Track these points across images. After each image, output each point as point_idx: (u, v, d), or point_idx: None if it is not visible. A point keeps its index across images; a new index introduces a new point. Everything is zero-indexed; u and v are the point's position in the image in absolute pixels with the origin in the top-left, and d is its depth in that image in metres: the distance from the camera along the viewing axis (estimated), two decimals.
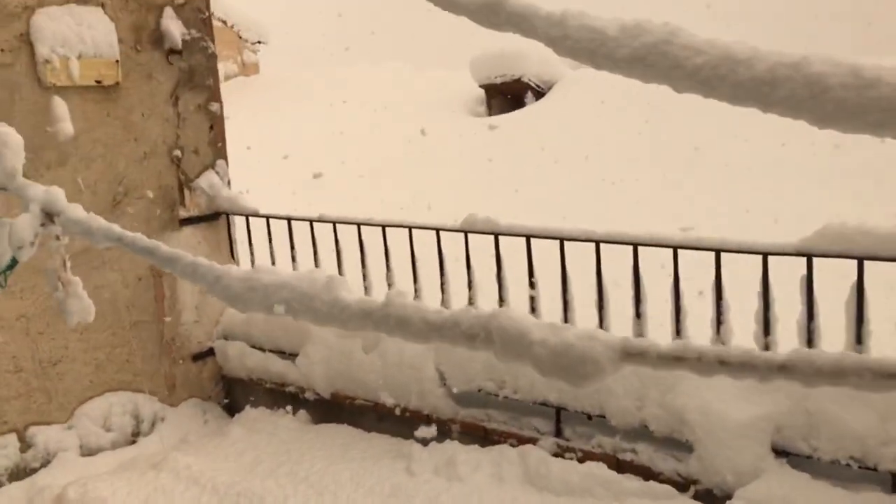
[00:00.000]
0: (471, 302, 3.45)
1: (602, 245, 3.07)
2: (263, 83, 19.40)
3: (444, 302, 3.54)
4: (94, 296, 3.21)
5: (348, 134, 12.19)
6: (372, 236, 3.78)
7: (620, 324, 3.12)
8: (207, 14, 4.17)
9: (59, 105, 3.47)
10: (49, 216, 1.81)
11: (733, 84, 1.44)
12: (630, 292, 3.06)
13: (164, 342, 4.11)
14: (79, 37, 3.53)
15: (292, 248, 4.05)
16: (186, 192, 4.12)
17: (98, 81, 3.64)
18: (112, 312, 3.84)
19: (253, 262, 4.26)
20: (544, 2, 1.62)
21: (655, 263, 3.17)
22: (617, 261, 3.11)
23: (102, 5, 3.66)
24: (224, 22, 21.54)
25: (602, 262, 3.10)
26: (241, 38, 22.40)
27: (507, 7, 1.75)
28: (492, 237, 3.37)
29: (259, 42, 22.68)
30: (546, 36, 1.72)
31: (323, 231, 3.96)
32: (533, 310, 3.30)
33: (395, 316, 1.28)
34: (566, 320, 3.20)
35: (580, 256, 3.20)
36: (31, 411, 3.63)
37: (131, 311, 3.95)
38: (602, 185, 8.15)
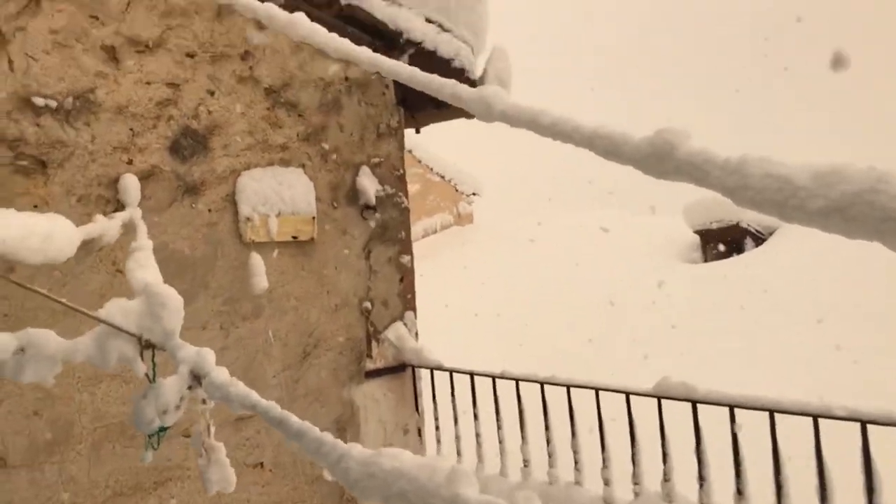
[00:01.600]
0: (666, 478, 3.06)
1: (821, 421, 2.63)
2: (477, 232, 20.08)
3: (635, 476, 3.18)
4: (271, 448, 3.19)
5: (560, 281, 12.13)
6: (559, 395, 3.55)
7: None
8: (402, 171, 4.32)
9: (257, 260, 3.66)
10: (197, 378, 1.80)
11: None
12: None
13: (345, 499, 4.03)
14: (279, 196, 3.75)
15: (474, 404, 3.90)
16: (374, 344, 4.15)
17: (294, 237, 3.82)
18: (293, 465, 3.85)
19: (437, 416, 4.15)
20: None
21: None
22: (841, 441, 2.64)
23: (303, 166, 3.91)
24: (442, 176, 22.92)
25: (822, 441, 2.64)
26: (457, 190, 23.65)
27: (676, 155, 1.56)
28: (689, 404, 3.01)
29: (474, 194, 23.80)
30: (722, 186, 1.49)
31: (526, 390, 3.77)
32: (739, 492, 2.85)
33: None
34: None
35: (796, 432, 2.76)
36: None
37: (314, 466, 3.94)
38: (835, 354, 7.29)
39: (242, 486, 3.70)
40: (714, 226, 12.30)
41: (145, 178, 3.34)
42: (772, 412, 2.71)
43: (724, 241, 12.22)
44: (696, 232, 12.76)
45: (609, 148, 1.64)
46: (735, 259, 11.47)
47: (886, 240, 1.22)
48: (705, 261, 12.29)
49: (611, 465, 3.29)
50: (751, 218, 12.08)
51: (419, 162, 21.47)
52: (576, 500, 3.37)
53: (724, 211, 12.29)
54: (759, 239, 11.98)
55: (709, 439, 2.95)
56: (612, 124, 1.69)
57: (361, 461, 1.35)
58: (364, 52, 2.29)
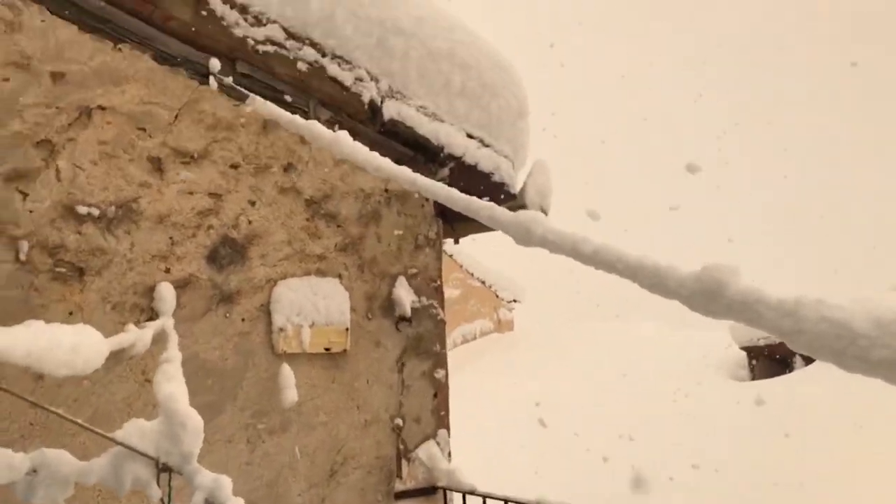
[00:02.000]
0: None
1: None
2: (517, 339, 19.86)
3: None
4: None
5: (603, 391, 11.85)
6: None
7: None
8: (439, 282, 4.28)
9: (287, 372, 3.60)
10: None
11: None
12: None
13: None
14: (314, 306, 3.72)
15: None
16: (404, 463, 4.00)
17: (327, 349, 3.76)
18: None
19: None
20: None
21: None
22: None
23: (339, 276, 3.89)
24: (483, 282, 22.93)
25: None
26: (497, 297, 23.59)
27: (726, 294, 1.48)
28: None
29: (514, 301, 23.71)
30: (776, 328, 1.40)
31: None
32: None
33: None
34: None
35: None
36: None
37: None
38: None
39: None
40: (761, 342, 11.98)
41: (181, 286, 3.34)
42: None
43: (772, 359, 11.87)
44: (743, 348, 12.43)
45: (654, 281, 1.57)
46: (783, 378, 11.09)
47: None
48: (752, 378, 11.91)
49: None
50: None
51: (460, 267, 21.54)
52: None
53: None
54: (809, 357, 11.63)
55: None
56: (656, 256, 1.62)
57: None
58: (404, 172, 2.28)
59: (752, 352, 12.20)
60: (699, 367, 12.96)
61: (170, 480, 1.92)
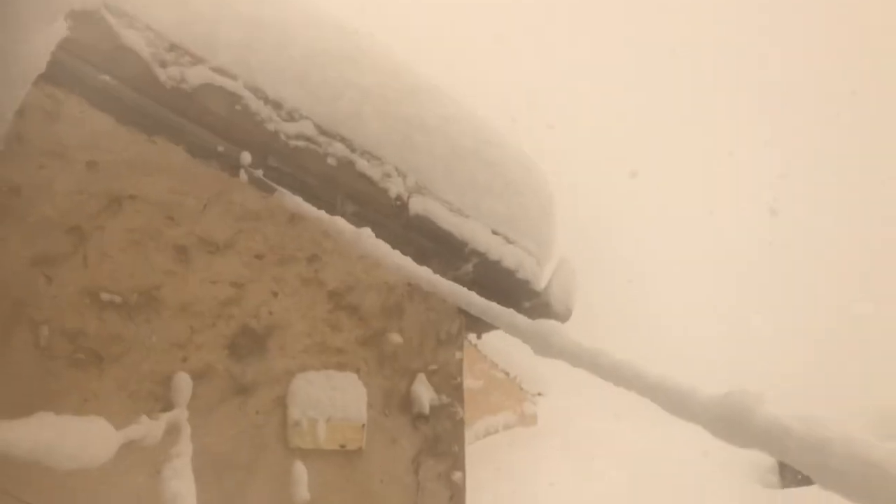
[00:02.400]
0: None
1: None
2: (540, 434, 19.45)
3: None
4: None
5: (625, 496, 11.49)
6: None
7: None
8: (459, 380, 4.22)
9: (300, 469, 3.52)
10: None
11: None
12: None
13: None
14: (330, 400, 3.67)
15: None
16: None
17: (342, 445, 3.69)
18: None
19: None
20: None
21: None
22: None
23: (358, 370, 3.84)
24: (507, 373, 22.62)
25: None
26: (521, 389, 23.22)
27: (753, 421, 1.43)
28: None
29: (539, 394, 23.31)
30: (802, 461, 1.35)
31: None
32: None
33: None
34: None
35: None
36: None
37: None
38: None
39: None
40: None
41: (198, 376, 3.32)
42: None
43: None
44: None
45: (674, 402, 1.52)
46: (816, 487, 10.71)
47: None
48: (783, 486, 11.50)
49: None
50: None
51: (484, 357, 21.31)
52: None
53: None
54: None
55: None
56: (679, 376, 1.58)
57: None
58: (424, 273, 2.27)
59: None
60: (725, 468, 12.55)
61: None
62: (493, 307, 1.99)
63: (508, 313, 1.94)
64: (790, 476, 11.62)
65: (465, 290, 2.11)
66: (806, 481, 11.16)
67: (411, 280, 2.33)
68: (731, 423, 1.37)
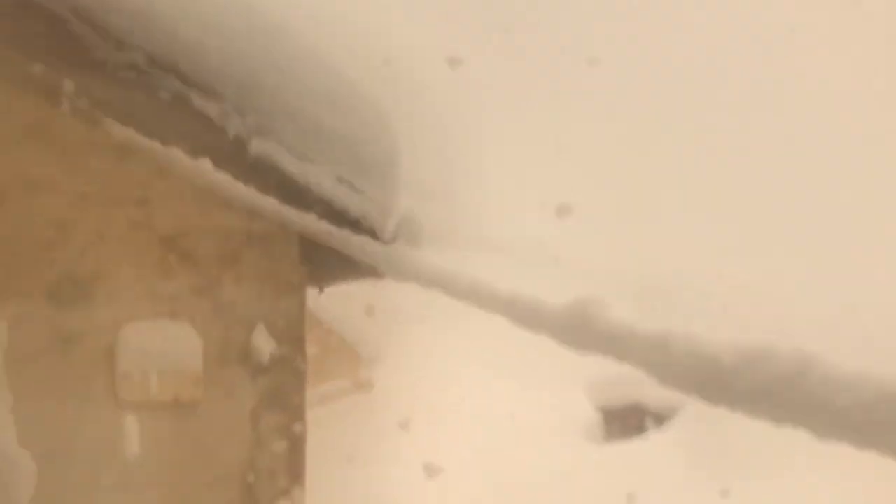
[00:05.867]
0: None
1: None
2: (377, 402, 19.64)
3: None
4: None
5: (457, 460, 11.86)
6: None
7: None
8: (301, 331, 4.20)
9: (131, 423, 3.40)
10: None
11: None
12: None
13: None
14: (163, 351, 3.55)
15: None
16: None
17: (176, 398, 3.59)
18: None
19: None
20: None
21: None
22: None
23: (192, 320, 3.74)
24: (341, 338, 22.67)
25: None
26: (356, 354, 23.36)
27: (597, 325, 1.54)
28: None
29: (374, 358, 23.54)
30: (644, 361, 1.47)
31: None
32: None
33: None
34: None
35: None
36: None
37: None
38: None
39: None
40: (616, 404, 12.45)
41: (15, 324, 3.11)
42: None
43: (626, 421, 12.34)
44: (599, 410, 12.87)
45: (526, 315, 1.60)
46: (638, 440, 11.54)
47: (815, 428, 1.19)
48: (607, 441, 12.31)
49: None
50: (653, 397, 12.28)
51: (320, 323, 21.20)
52: None
53: (626, 389, 12.52)
54: (661, 419, 12.14)
55: None
56: (530, 291, 1.66)
57: None
58: (270, 203, 2.24)
59: (608, 414, 12.64)
60: (553, 428, 13.26)
61: None
62: (343, 234, 2.01)
63: (360, 240, 1.96)
64: (616, 428, 12.44)
65: (314, 217, 2.11)
66: (626, 435, 12.01)
67: (257, 211, 2.29)
68: (579, 328, 1.47)
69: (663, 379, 1.39)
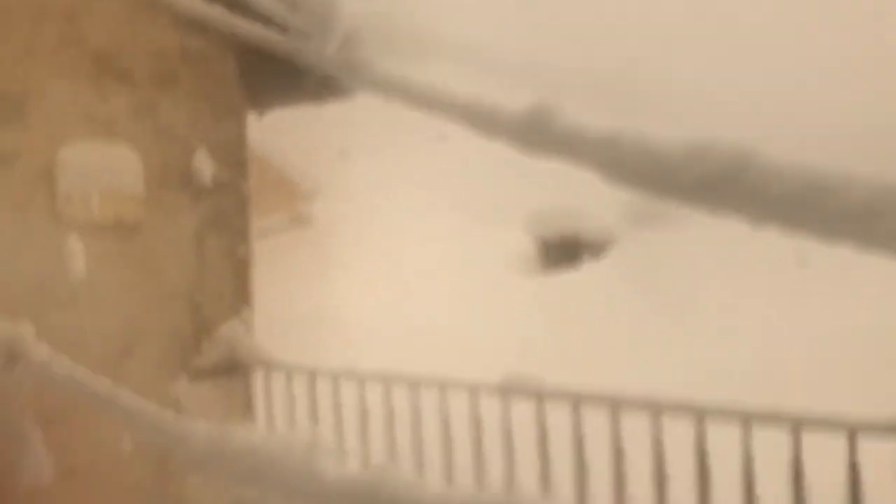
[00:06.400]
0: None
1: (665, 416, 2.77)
2: (316, 234, 19.71)
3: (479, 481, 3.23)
4: (86, 452, 2.94)
5: (401, 291, 12.16)
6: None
7: None
8: (242, 155, 4.18)
9: (74, 243, 3.41)
10: (12, 358, 1.64)
11: (823, 217, 1.22)
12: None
13: None
14: (103, 173, 3.52)
15: (316, 407, 3.82)
16: (204, 341, 3.97)
17: (118, 219, 3.59)
18: (106, 473, 3.59)
19: (272, 421, 4.03)
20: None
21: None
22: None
23: (132, 143, 3.68)
24: (277, 170, 22.38)
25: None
26: (293, 187, 23.16)
27: (552, 129, 1.60)
28: (535, 402, 3.10)
29: (313, 191, 23.37)
30: (596, 160, 1.54)
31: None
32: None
33: (385, 499, 1.03)
34: None
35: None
36: None
37: (136, 472, 3.69)
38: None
39: (52, 496, 3.42)
40: (553, 236, 12.82)
41: None
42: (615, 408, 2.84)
43: (562, 253, 12.76)
44: (537, 242, 13.25)
45: (485, 121, 1.65)
46: (574, 272, 12.00)
47: (751, 217, 1.29)
48: (545, 272, 12.76)
49: (455, 471, 3.32)
50: (589, 230, 12.69)
51: (258, 157, 20.81)
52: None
53: (563, 222, 12.85)
54: (596, 252, 12.59)
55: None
56: (487, 96, 1.70)
57: (208, 439, 1.27)
58: (215, 10, 2.19)
59: (545, 246, 13.05)
60: (493, 260, 13.64)
61: None
62: (293, 42, 1.99)
63: (314, 48, 1.95)
64: (553, 259, 12.85)
65: (260, 27, 2.08)
66: (563, 267, 12.45)
67: (198, 18, 2.23)
68: (534, 131, 1.53)
69: (615, 178, 1.47)
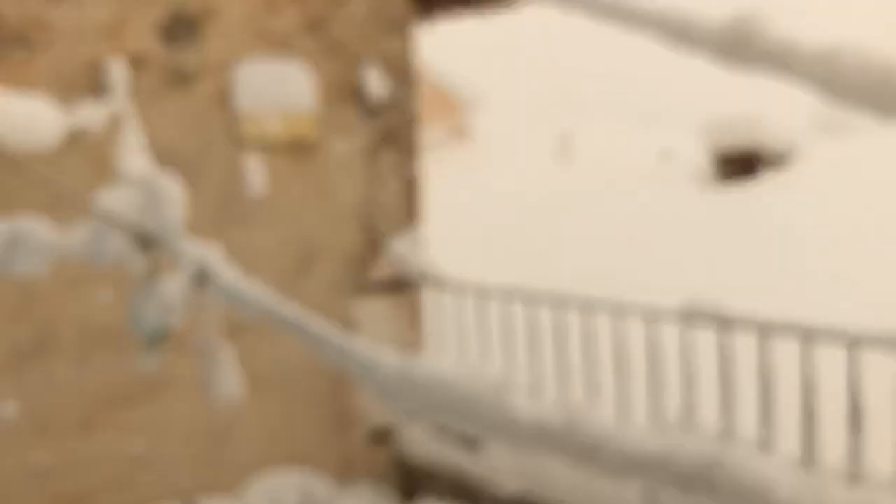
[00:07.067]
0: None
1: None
2: (477, 146, 19.80)
3: (656, 412, 3.18)
4: (266, 362, 3.12)
5: (566, 201, 12.02)
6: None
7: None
8: (412, 70, 4.17)
9: (252, 162, 3.56)
10: (203, 278, 1.72)
11: None
12: None
13: (340, 417, 4.03)
14: (278, 91, 3.62)
15: (487, 327, 3.87)
16: (377, 256, 4.08)
17: (294, 138, 3.70)
18: (284, 382, 3.82)
19: (441, 338, 4.13)
20: None
21: None
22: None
23: (306, 58, 3.75)
24: (438, 86, 22.45)
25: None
26: (455, 101, 23.21)
27: (760, 40, 1.46)
28: (716, 329, 2.97)
29: (474, 104, 23.37)
30: (811, 77, 1.40)
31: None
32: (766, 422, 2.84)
33: (580, 441, 1.01)
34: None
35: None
36: (200, 478, 3.66)
37: (313, 384, 3.91)
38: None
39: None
40: (730, 148, 12.20)
41: (134, 64, 3.20)
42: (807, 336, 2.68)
43: (739, 165, 12.12)
44: (712, 154, 12.67)
45: (682, 32, 1.53)
46: (752, 184, 11.40)
47: None
48: (721, 184, 12.19)
49: (631, 398, 3.28)
50: (769, 140, 11.97)
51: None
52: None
53: (742, 132, 12.19)
54: (776, 164, 11.88)
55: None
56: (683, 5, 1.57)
57: (396, 368, 1.28)
58: None
59: (721, 158, 12.44)
60: (665, 172, 13.21)
61: (153, 253, 1.91)
62: None
63: None
64: (726, 176, 12.27)
65: None
66: (740, 180, 11.85)
67: None
68: (741, 43, 1.40)
69: (834, 95, 1.33)
